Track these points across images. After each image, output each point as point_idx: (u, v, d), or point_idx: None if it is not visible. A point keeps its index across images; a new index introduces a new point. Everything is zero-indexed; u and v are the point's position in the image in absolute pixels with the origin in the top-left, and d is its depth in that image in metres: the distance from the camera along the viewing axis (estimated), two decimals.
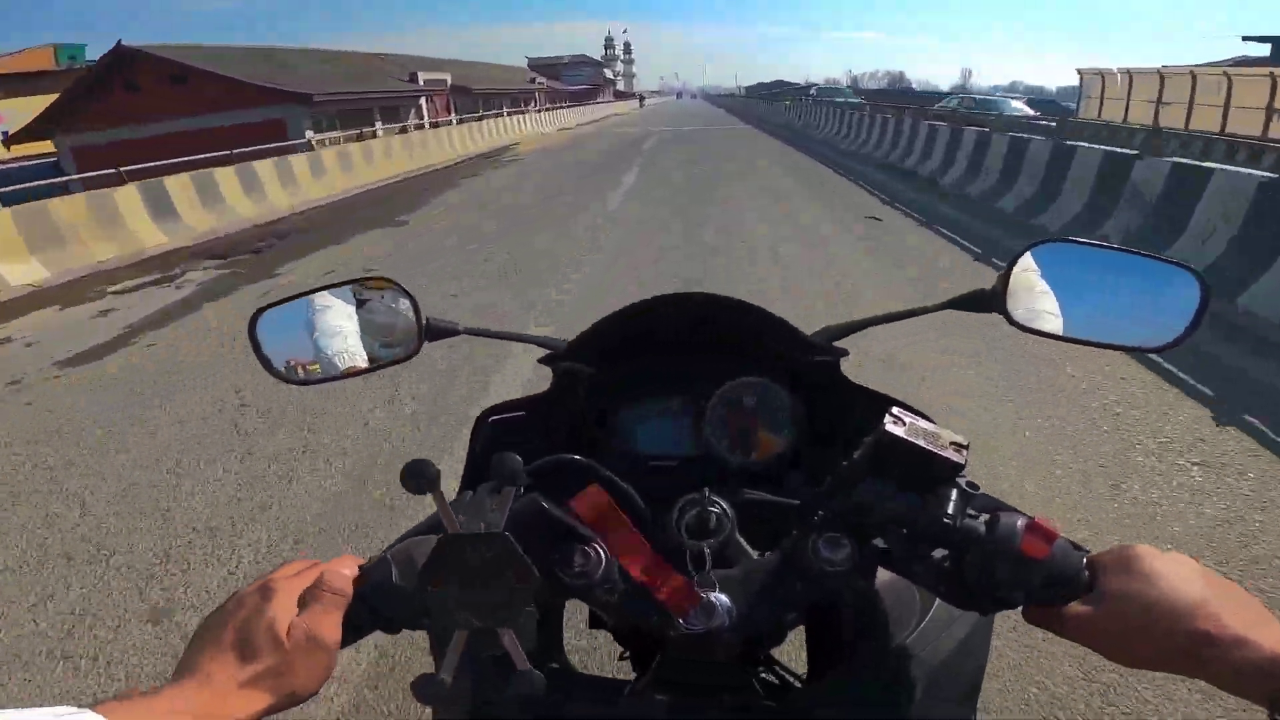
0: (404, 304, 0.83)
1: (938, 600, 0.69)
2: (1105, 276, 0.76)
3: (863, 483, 0.58)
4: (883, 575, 0.62)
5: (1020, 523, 0.54)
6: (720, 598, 0.60)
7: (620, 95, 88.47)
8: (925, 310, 0.81)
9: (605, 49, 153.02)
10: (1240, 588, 0.50)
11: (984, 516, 0.56)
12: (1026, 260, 0.76)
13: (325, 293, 0.83)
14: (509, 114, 30.82)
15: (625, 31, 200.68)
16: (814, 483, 0.79)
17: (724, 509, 0.65)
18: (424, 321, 0.82)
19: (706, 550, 0.61)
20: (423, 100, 30.18)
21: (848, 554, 0.59)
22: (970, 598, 0.57)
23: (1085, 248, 0.76)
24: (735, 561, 0.65)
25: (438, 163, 18.54)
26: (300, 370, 0.83)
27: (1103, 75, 23.55)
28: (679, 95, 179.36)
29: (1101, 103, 23.16)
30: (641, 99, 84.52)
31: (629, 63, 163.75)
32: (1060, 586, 0.54)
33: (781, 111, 36.24)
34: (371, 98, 26.28)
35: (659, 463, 0.82)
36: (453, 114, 30.37)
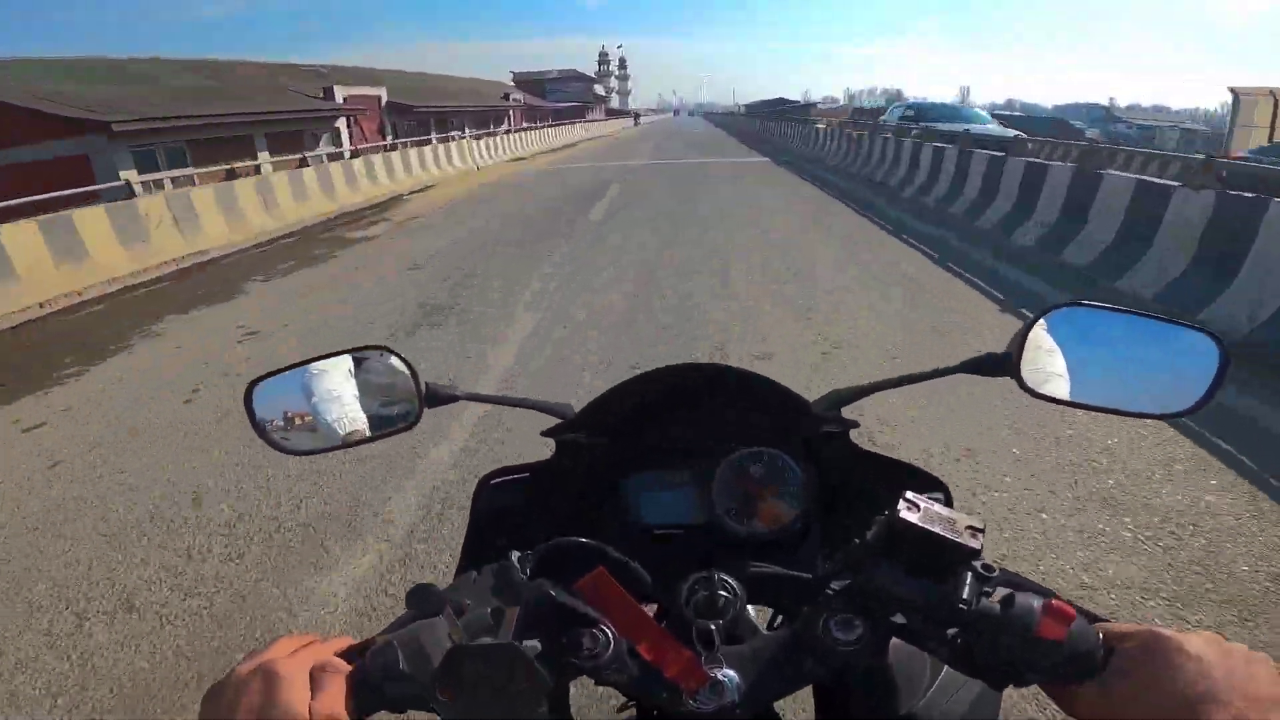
0: (402, 371, 0.82)
1: (946, 666, 0.68)
2: (1121, 340, 0.75)
3: (875, 565, 0.57)
4: (898, 642, 0.61)
5: (1037, 604, 0.53)
6: (729, 674, 0.59)
7: (613, 113, 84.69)
8: (938, 374, 0.80)
9: (599, 64, 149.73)
10: (1273, 662, 0.48)
11: (1002, 593, 0.55)
12: (1041, 325, 0.74)
13: (321, 361, 0.81)
14: (466, 137, 24.23)
15: (620, 47, 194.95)
16: (826, 550, 0.78)
17: (732, 587, 0.64)
18: (423, 388, 0.81)
19: (714, 629, 0.61)
20: (342, 122, 24.74)
21: (860, 634, 0.58)
22: (982, 670, 0.56)
23: (1100, 311, 0.75)
24: (745, 637, 0.64)
25: (248, 239, 10.79)
26: (296, 441, 0.81)
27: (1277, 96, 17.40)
28: (676, 113, 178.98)
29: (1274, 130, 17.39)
30: (637, 117, 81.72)
31: (624, 79, 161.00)
32: (1074, 665, 0.52)
33: (802, 139, 25.18)
34: (239, 122, 19.56)
35: (665, 531, 0.81)
36: (387, 138, 25.84)
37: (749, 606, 0.70)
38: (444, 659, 0.52)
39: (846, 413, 0.84)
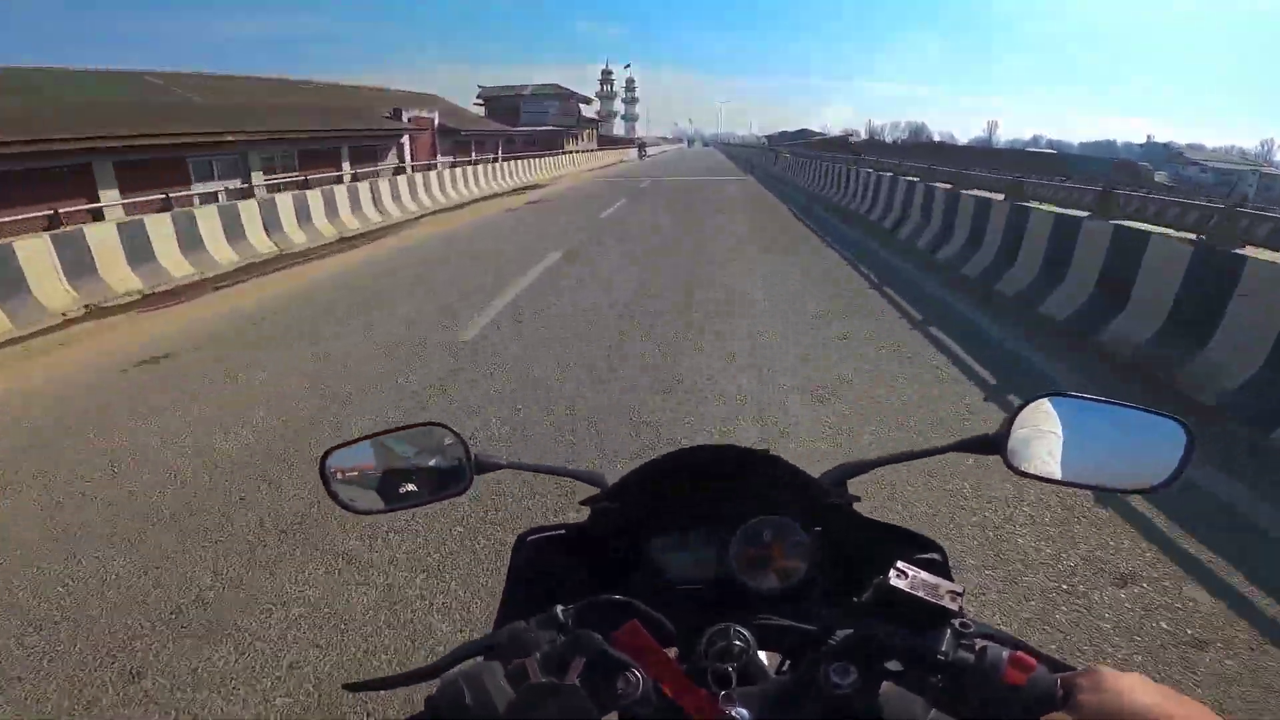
0: (454, 444, 0.92)
1: (934, 710, 0.77)
2: (1100, 425, 0.85)
3: (870, 621, 0.69)
4: (889, 685, 0.71)
5: (1005, 655, 0.64)
6: (742, 712, 0.69)
7: (608, 141, 66.20)
8: (934, 451, 0.90)
9: (601, 84, 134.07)
10: (1196, 701, 0.58)
11: (978, 645, 0.66)
12: (1027, 410, 0.84)
13: (386, 435, 0.92)
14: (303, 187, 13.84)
15: (628, 67, 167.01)
16: (830, 603, 0.87)
17: (745, 636, 0.74)
18: (473, 459, 0.91)
19: (729, 672, 0.71)
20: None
21: (854, 679, 0.68)
22: (962, 713, 0.66)
23: (1080, 400, 0.85)
24: (756, 680, 0.74)
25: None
26: (362, 502, 0.91)
27: None
28: (689, 143, 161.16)
29: None
30: (642, 147, 64.14)
31: (631, 102, 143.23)
32: (1036, 706, 0.62)
33: (840, 184, 18.54)
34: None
35: (687, 588, 0.90)
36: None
37: (761, 653, 0.79)
38: (519, 695, 0.62)
39: (853, 485, 0.93)
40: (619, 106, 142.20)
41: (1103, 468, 0.84)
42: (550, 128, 48.15)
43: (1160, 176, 28.98)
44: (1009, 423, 0.83)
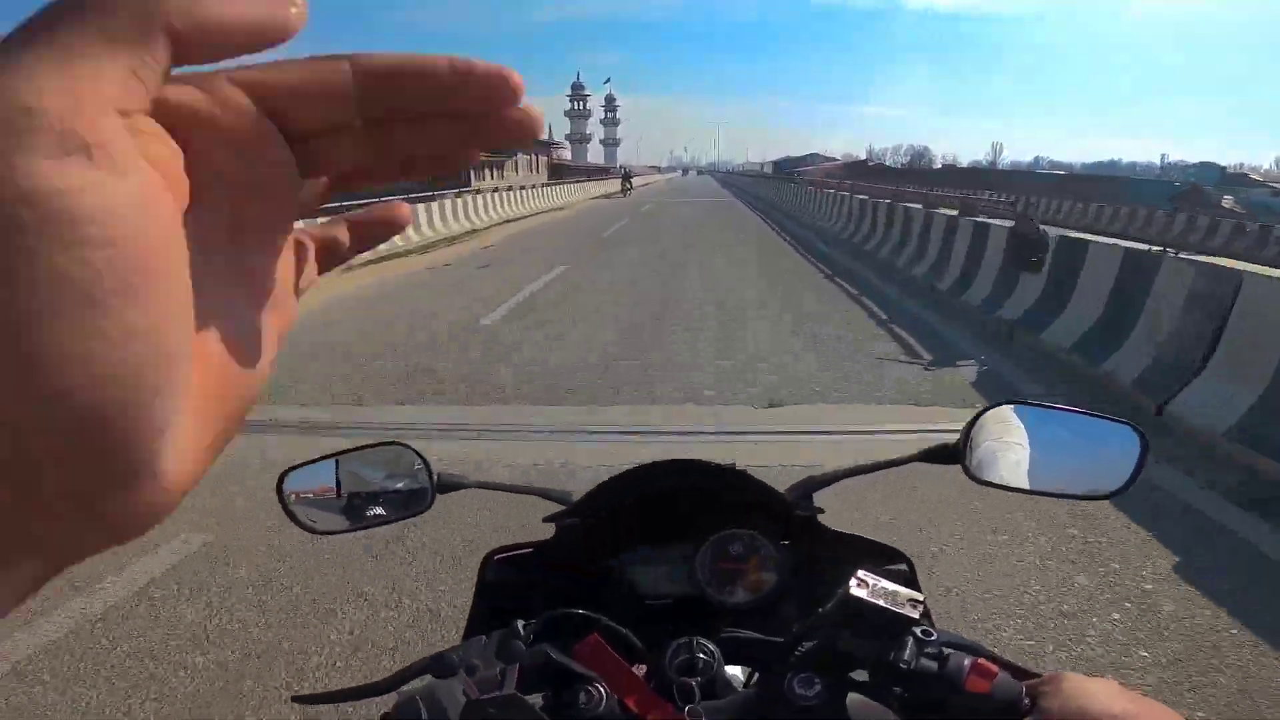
0: (417, 462, 0.92)
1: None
2: (1057, 432, 0.85)
3: (833, 632, 0.68)
4: (854, 696, 0.70)
5: (966, 663, 0.64)
6: None
7: (570, 172, 51.75)
8: (897, 463, 0.90)
9: (572, 100, 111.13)
10: (1160, 704, 0.58)
11: (941, 653, 0.65)
12: (985, 418, 0.84)
13: (346, 455, 0.92)
14: None
15: (608, 82, 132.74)
16: (799, 613, 0.87)
17: (710, 650, 0.73)
18: (435, 478, 0.91)
19: (694, 686, 0.70)
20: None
21: (819, 691, 0.67)
22: None
23: (1035, 408, 0.86)
24: (722, 694, 0.73)
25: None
26: (322, 522, 0.91)
27: None
28: (684, 172, 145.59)
29: None
30: (627, 178, 44.87)
31: (612, 124, 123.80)
32: (1003, 713, 0.62)
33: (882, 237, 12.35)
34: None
35: (656, 602, 0.90)
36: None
37: (733, 667, 0.78)
38: (462, 712, 0.62)
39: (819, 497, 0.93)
40: (593, 129, 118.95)
41: (1060, 474, 0.85)
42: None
43: (1227, 201, 26.23)
44: (967, 431, 0.84)
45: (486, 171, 41.24)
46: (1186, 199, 24.64)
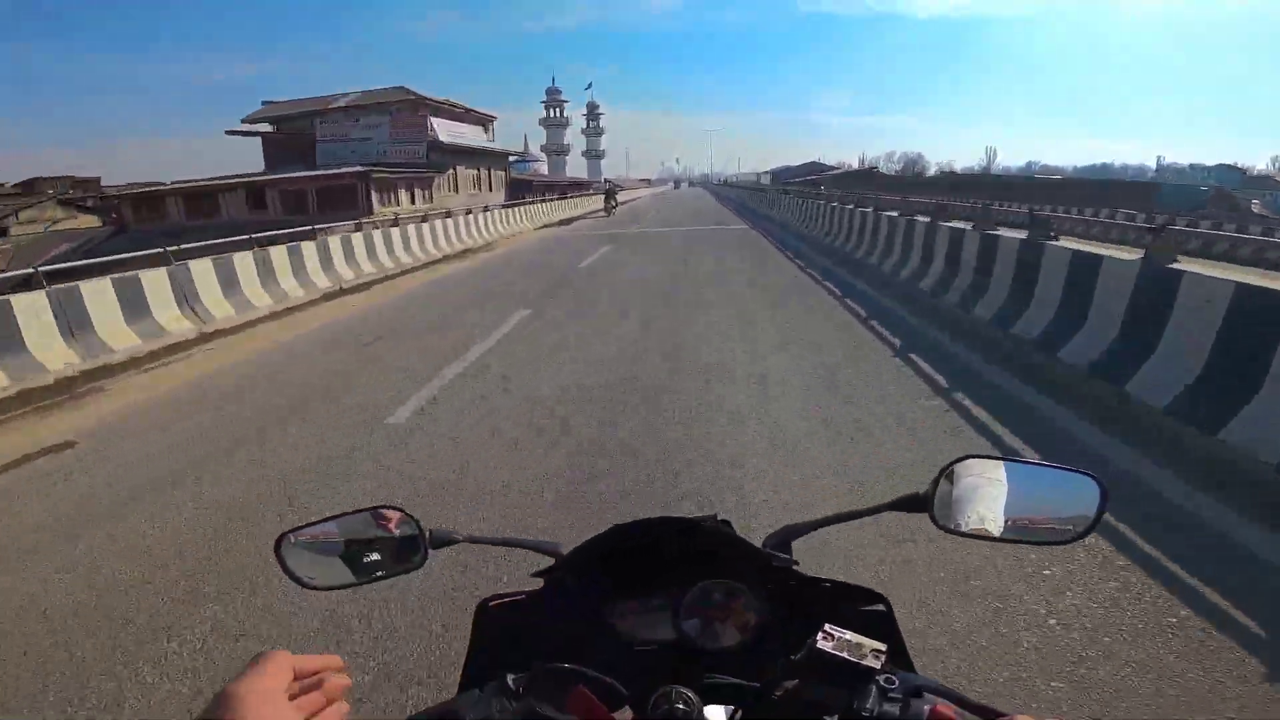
0: (408, 523, 0.97)
1: None
2: (1020, 483, 0.90)
3: (804, 680, 0.75)
4: None
5: (926, 709, 0.69)
6: None
7: (539, 188, 43.23)
8: (869, 511, 0.96)
9: (548, 108, 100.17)
10: None
11: (903, 701, 0.71)
12: (952, 471, 0.90)
13: (342, 518, 0.96)
14: None
15: (590, 88, 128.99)
16: (778, 656, 0.92)
17: (689, 698, 0.79)
18: (427, 535, 0.96)
19: None
20: None
21: None
22: None
23: (1002, 461, 0.92)
24: None
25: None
26: (321, 579, 0.95)
27: None
28: (677, 184, 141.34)
29: None
30: (611, 194, 37.14)
31: (595, 134, 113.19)
32: None
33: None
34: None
35: (643, 648, 0.94)
36: None
37: (716, 707, 0.83)
38: None
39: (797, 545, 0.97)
40: (575, 140, 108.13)
41: (1022, 523, 0.90)
42: (357, 169, 28.02)
43: (1256, 205, 25.69)
44: (935, 483, 0.90)
45: (402, 193, 29.56)
46: (1215, 204, 23.95)
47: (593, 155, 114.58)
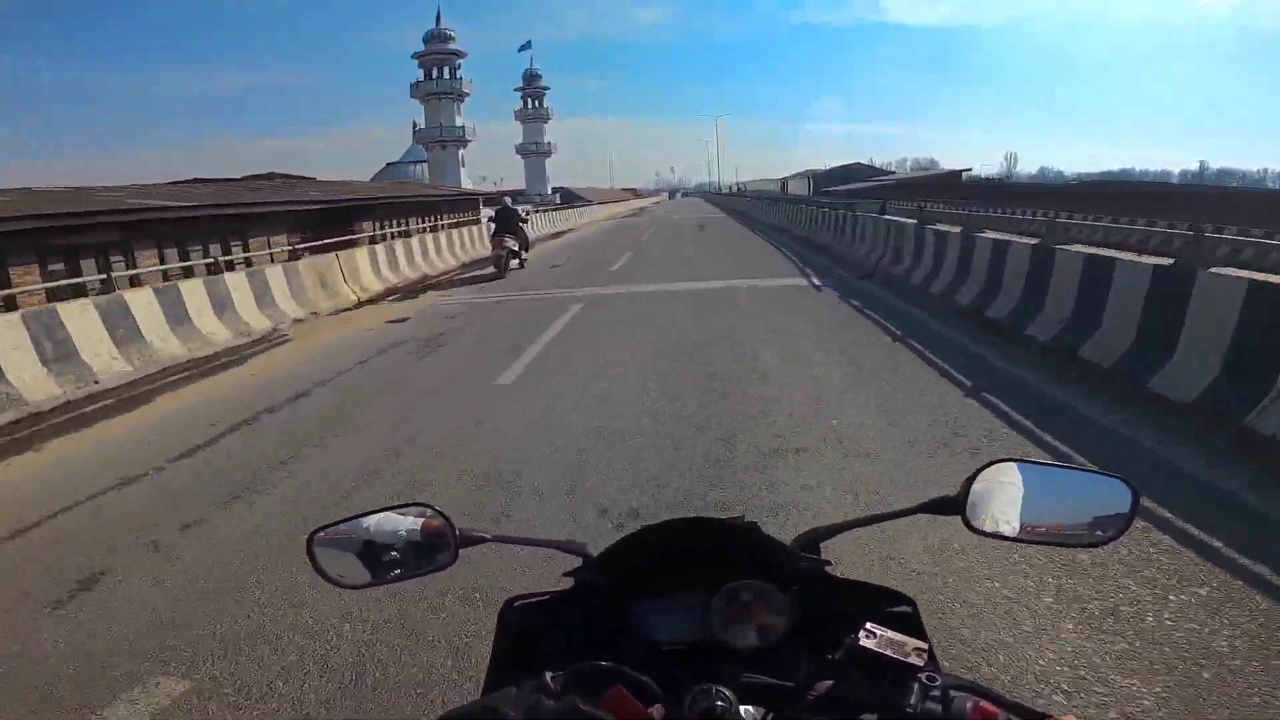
0: (439, 520, 0.95)
1: None
2: (1051, 486, 0.93)
3: (843, 678, 0.75)
4: None
5: (969, 705, 0.69)
6: None
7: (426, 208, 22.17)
8: (900, 514, 0.96)
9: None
10: None
11: (952, 695, 0.71)
12: (984, 474, 0.91)
13: (371, 516, 0.94)
14: None
15: (527, 47, 79.85)
16: (808, 658, 0.92)
17: (726, 696, 0.77)
18: (457, 534, 0.94)
19: None
20: None
21: None
22: None
23: (1034, 465, 0.93)
24: None
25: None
26: (351, 578, 0.93)
27: None
28: (672, 195, 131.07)
29: None
30: (509, 228, 16.22)
31: (537, 119, 72.67)
32: None
33: None
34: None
35: (673, 648, 0.93)
36: None
37: (746, 708, 0.81)
38: None
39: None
40: (514, 129, 72.23)
41: (1055, 525, 0.92)
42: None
43: None
44: (967, 486, 0.91)
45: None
46: None
47: (532, 152, 73.56)
